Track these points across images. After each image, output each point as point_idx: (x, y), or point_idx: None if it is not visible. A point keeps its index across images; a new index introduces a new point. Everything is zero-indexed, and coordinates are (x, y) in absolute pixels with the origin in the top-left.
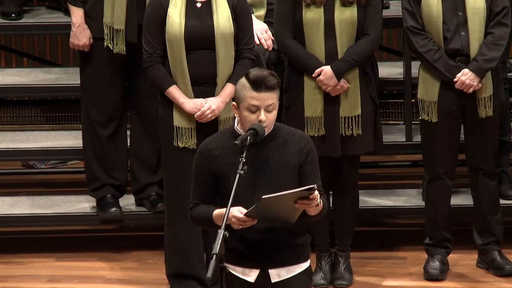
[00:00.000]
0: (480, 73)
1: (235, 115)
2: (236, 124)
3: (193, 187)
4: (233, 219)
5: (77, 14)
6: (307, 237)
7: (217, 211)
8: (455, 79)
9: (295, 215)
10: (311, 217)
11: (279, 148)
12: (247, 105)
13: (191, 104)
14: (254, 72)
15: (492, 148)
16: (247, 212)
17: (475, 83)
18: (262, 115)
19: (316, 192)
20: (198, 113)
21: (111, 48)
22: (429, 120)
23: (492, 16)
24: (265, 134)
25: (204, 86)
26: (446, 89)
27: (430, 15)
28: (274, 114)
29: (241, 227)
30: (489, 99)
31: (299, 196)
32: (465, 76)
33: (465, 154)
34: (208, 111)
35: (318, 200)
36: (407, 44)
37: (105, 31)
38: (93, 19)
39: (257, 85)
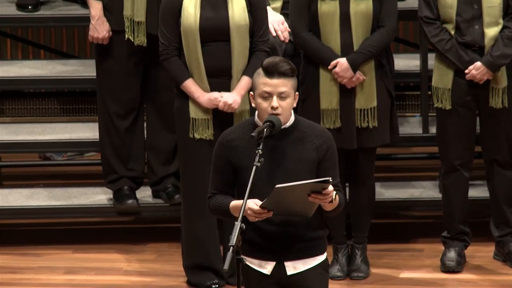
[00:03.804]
0: (493, 68)
1: (253, 105)
2: (256, 115)
3: (212, 177)
4: (249, 211)
5: (96, 7)
6: (324, 231)
7: (234, 203)
8: (466, 71)
9: (310, 209)
10: (327, 212)
11: (297, 142)
12: (260, 92)
13: (206, 99)
14: (268, 59)
15: (507, 139)
16: (262, 204)
17: (485, 77)
18: (275, 102)
19: (331, 187)
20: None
21: (132, 40)
22: (443, 108)
23: (510, 10)
24: (283, 125)
25: (219, 78)
26: (460, 78)
27: (445, 5)
28: (288, 102)
29: (256, 219)
30: (503, 90)
31: (312, 189)
32: (477, 71)
33: (480, 146)
34: (225, 107)
35: (333, 197)
36: (422, 33)
37: (126, 24)
38: (111, 12)
39: (269, 71)
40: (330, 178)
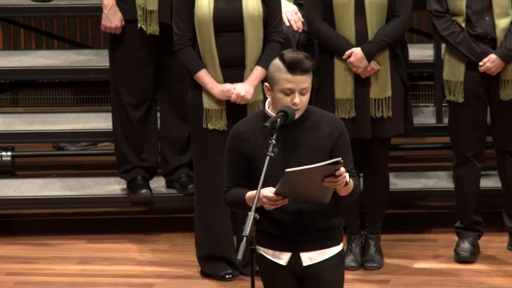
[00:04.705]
0: (507, 60)
1: (268, 96)
2: (267, 106)
3: (226, 170)
4: (264, 199)
5: None
6: (340, 220)
7: (250, 193)
8: (480, 63)
9: (326, 194)
10: (343, 198)
11: (310, 130)
12: (281, 88)
13: (219, 91)
14: (290, 54)
15: None
16: (276, 190)
17: (499, 70)
18: (297, 98)
19: (343, 169)
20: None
21: (145, 29)
22: (455, 101)
23: None
24: (296, 117)
25: (232, 68)
26: (471, 71)
27: None
28: (307, 97)
29: (273, 207)
30: None
31: (325, 173)
32: (492, 63)
33: (492, 137)
34: (238, 99)
35: (347, 178)
36: (432, 27)
37: (139, 13)
38: (124, 1)
39: (293, 68)
40: (340, 158)
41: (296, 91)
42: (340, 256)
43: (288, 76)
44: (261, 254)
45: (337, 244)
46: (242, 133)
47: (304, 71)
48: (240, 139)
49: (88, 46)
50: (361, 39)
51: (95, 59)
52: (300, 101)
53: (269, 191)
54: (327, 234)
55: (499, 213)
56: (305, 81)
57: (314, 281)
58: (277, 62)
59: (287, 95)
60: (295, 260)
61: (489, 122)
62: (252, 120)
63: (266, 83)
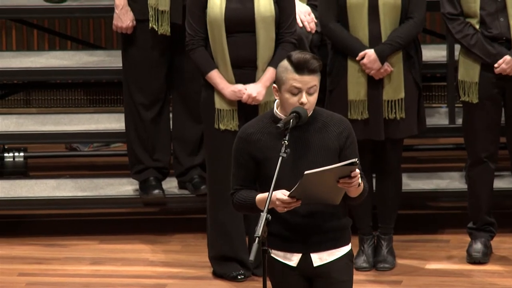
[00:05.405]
0: None
1: (276, 98)
2: (275, 108)
3: (233, 172)
4: (277, 202)
5: None
6: (348, 220)
7: (260, 196)
8: (495, 65)
9: (338, 195)
10: (353, 199)
11: (319, 132)
12: (289, 88)
13: (230, 91)
14: (297, 55)
15: None
16: (291, 193)
17: None
18: (304, 98)
19: (357, 170)
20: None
21: (156, 29)
22: (470, 101)
23: None
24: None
25: (244, 69)
26: (486, 72)
27: (468, 0)
28: (315, 97)
29: (286, 209)
30: None
31: (340, 174)
32: (507, 65)
33: (506, 138)
34: (249, 100)
35: (359, 180)
36: (446, 29)
37: (150, 13)
38: (136, 1)
39: (300, 68)
40: (357, 159)
41: (303, 91)
42: (349, 255)
43: (295, 76)
44: (271, 256)
45: (346, 244)
46: (251, 134)
47: (311, 71)
48: (249, 141)
49: (101, 47)
50: (374, 41)
51: (108, 60)
52: (308, 101)
53: (282, 194)
54: (337, 235)
55: (511, 213)
56: (312, 80)
57: (324, 281)
58: (284, 63)
59: (295, 94)
60: (306, 260)
61: (503, 123)
62: (260, 122)
63: (274, 85)
